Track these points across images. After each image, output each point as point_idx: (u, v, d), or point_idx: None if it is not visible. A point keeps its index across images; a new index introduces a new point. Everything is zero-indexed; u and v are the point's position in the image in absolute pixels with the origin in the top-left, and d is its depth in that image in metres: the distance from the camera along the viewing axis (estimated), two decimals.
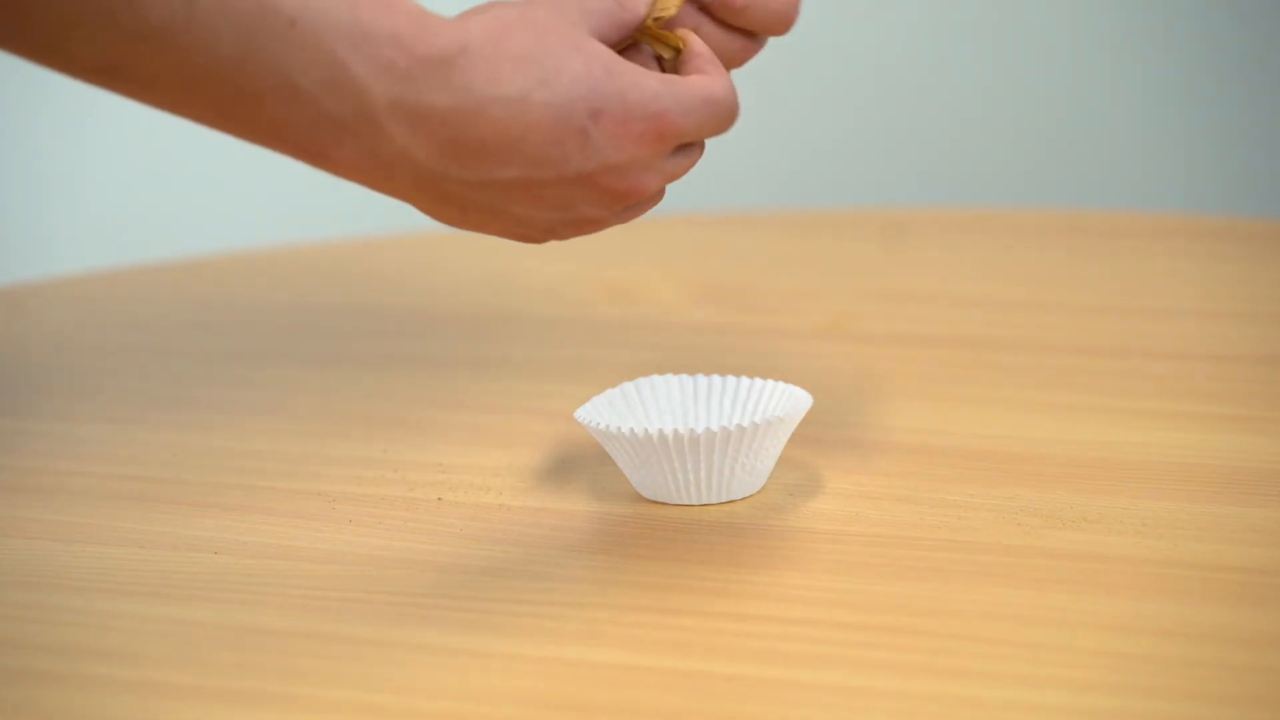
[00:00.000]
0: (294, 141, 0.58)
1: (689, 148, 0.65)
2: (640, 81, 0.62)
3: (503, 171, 0.61)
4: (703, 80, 0.64)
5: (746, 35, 0.69)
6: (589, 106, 0.61)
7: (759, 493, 0.71)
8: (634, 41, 0.68)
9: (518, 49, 0.60)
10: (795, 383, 0.73)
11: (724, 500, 0.70)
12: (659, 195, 0.66)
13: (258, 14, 0.55)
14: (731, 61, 0.68)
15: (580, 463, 0.75)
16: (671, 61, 0.67)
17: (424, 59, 0.58)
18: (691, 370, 0.85)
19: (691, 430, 0.67)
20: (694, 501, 0.69)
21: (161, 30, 0.54)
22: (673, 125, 0.62)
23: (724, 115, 0.64)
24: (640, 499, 0.71)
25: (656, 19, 0.67)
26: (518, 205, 0.62)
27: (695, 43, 0.66)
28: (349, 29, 0.57)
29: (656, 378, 0.74)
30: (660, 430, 0.68)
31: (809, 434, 0.76)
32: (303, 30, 0.56)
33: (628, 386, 0.74)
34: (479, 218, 0.63)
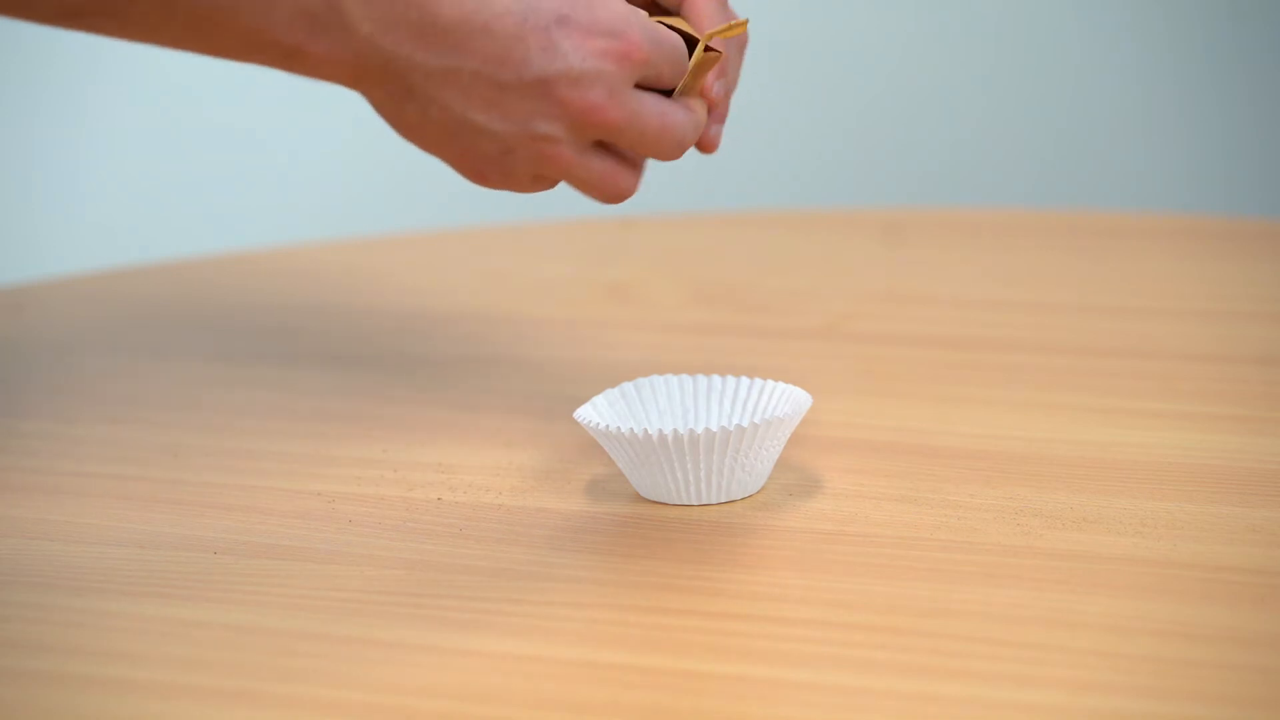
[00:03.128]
0: (270, 44, 0.58)
1: (660, 102, 0.66)
2: (611, 3, 0.63)
3: (466, 60, 0.60)
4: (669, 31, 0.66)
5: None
6: (556, 11, 0.61)
7: (759, 493, 0.71)
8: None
9: None
10: (795, 383, 0.73)
11: (724, 500, 0.70)
12: (629, 185, 0.67)
13: None
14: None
15: (580, 463, 0.75)
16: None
17: None
18: (691, 370, 0.85)
19: (691, 430, 0.67)
20: (694, 501, 0.70)
21: None
22: (637, 48, 0.63)
23: (681, 54, 0.66)
24: (640, 499, 0.71)
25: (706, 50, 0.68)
26: (478, 109, 0.62)
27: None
28: None
29: (656, 378, 0.74)
30: (660, 430, 0.68)
31: (809, 434, 0.76)
32: None
33: (628, 386, 0.74)
34: (439, 125, 0.62)
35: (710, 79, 0.71)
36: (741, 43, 0.75)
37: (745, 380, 0.74)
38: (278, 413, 0.86)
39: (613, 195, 0.67)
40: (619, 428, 0.69)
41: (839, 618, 0.60)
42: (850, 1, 2.02)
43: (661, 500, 0.70)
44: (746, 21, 0.70)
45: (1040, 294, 1.07)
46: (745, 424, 0.68)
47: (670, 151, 0.67)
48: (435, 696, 0.55)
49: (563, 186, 0.69)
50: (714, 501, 0.70)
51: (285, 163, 1.97)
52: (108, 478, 0.77)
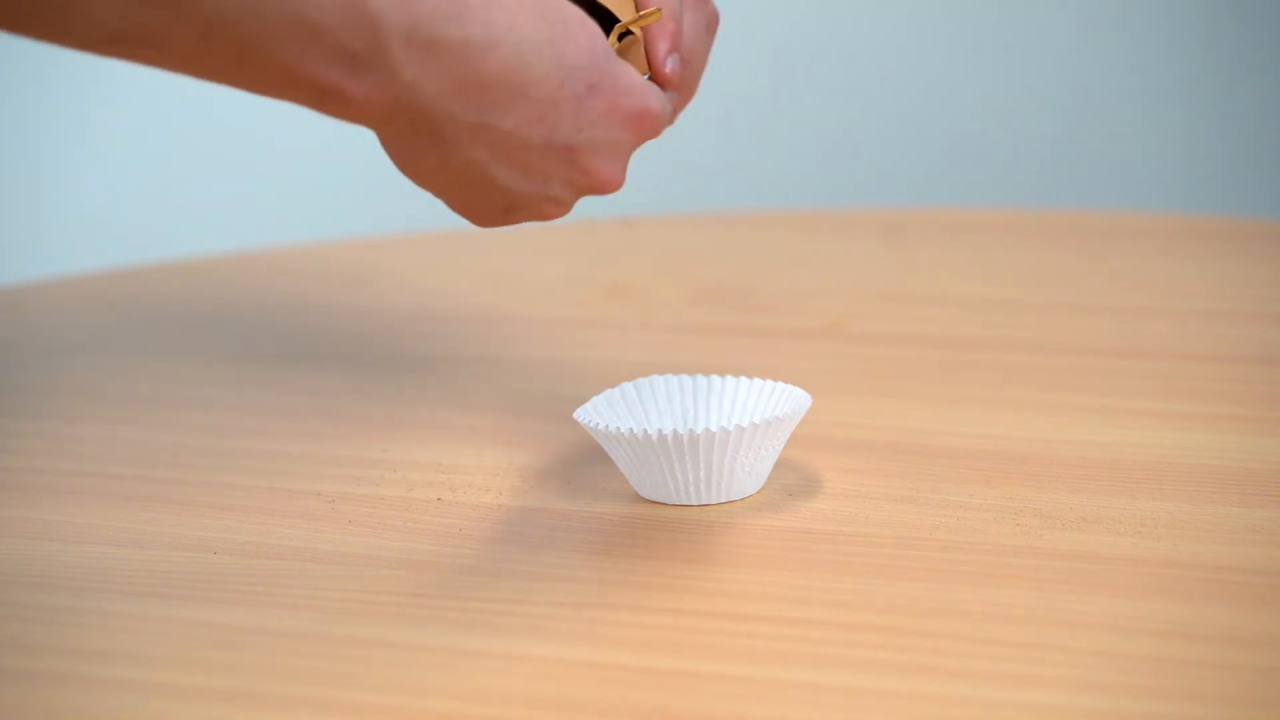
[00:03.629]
0: (307, 82, 0.58)
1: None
2: (630, 72, 0.65)
3: (502, 119, 0.61)
4: (658, 79, 0.69)
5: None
6: (588, 79, 0.62)
7: (759, 493, 0.71)
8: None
9: (533, 5, 0.61)
10: (795, 383, 0.73)
11: (724, 500, 0.70)
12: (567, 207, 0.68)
13: None
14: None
15: (580, 463, 0.75)
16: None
17: None
18: (691, 370, 0.85)
19: (691, 430, 0.67)
20: (694, 501, 0.70)
21: None
22: (654, 116, 0.65)
23: (667, 112, 0.68)
24: (640, 499, 0.71)
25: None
26: (501, 165, 0.63)
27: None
28: None
29: (656, 378, 0.74)
30: (660, 430, 0.68)
31: (809, 434, 0.76)
32: None
33: (628, 386, 0.74)
34: (457, 174, 0.63)
35: (660, 54, 0.70)
36: (711, 23, 0.75)
37: (745, 380, 0.74)
38: (278, 413, 0.86)
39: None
40: (619, 428, 0.69)
41: (839, 618, 0.60)
42: (850, 1, 2.02)
43: (661, 500, 0.70)
44: (659, 11, 0.70)
45: (1040, 294, 1.07)
46: (745, 424, 0.68)
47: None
48: (435, 696, 0.55)
49: None
50: (714, 501, 0.70)
51: (285, 163, 1.96)
52: (108, 478, 0.77)
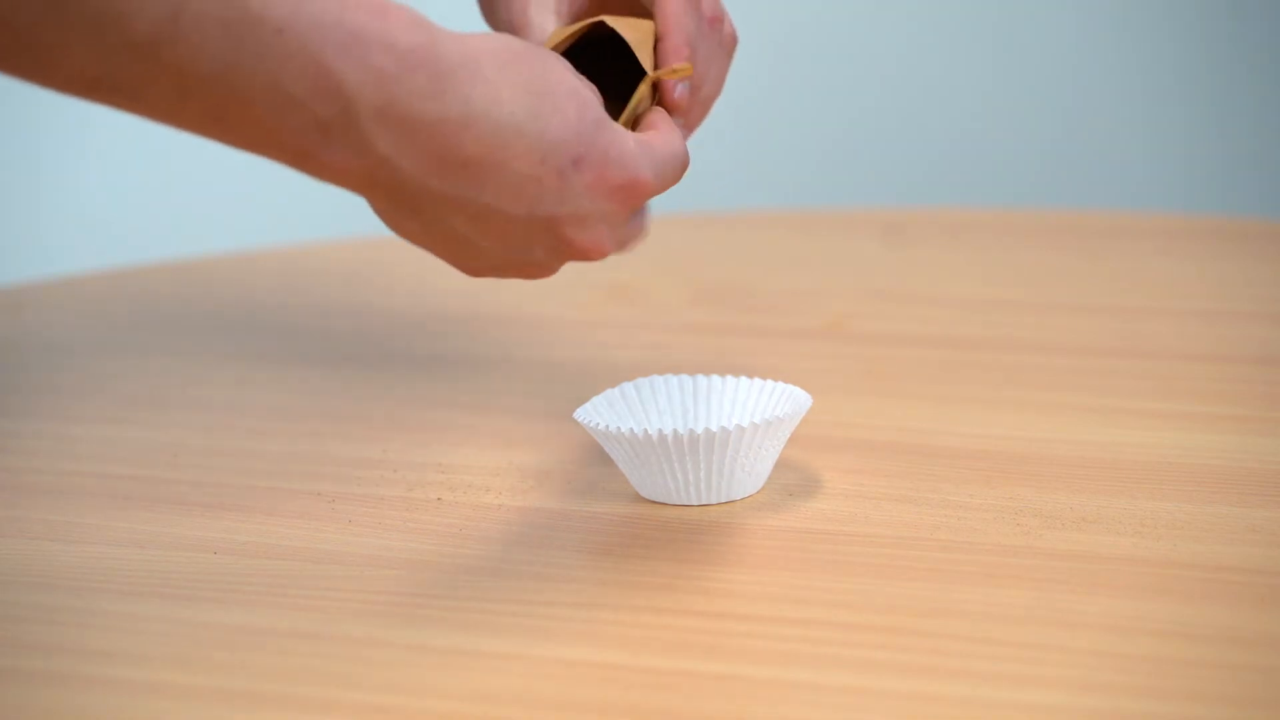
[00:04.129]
0: (281, 145, 0.58)
1: (640, 213, 0.67)
2: (621, 141, 0.63)
3: (480, 194, 0.61)
4: (664, 138, 0.66)
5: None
6: (573, 152, 0.62)
7: (759, 493, 0.71)
8: None
9: (520, 79, 0.61)
10: (795, 383, 0.73)
11: (724, 500, 0.70)
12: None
13: (244, 23, 0.54)
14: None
15: (580, 463, 0.75)
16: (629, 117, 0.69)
17: (418, 66, 0.58)
18: (691, 370, 0.85)
19: (691, 430, 0.67)
20: (694, 501, 0.70)
21: (148, 43, 0.53)
22: (644, 186, 0.64)
23: (683, 167, 0.67)
24: (640, 499, 0.71)
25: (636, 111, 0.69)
26: (482, 235, 0.63)
27: (654, 113, 0.69)
28: (337, 34, 0.56)
29: (656, 378, 0.74)
30: (660, 430, 0.68)
31: (809, 434, 0.76)
32: (289, 38, 0.55)
33: (628, 386, 0.74)
34: (440, 238, 0.63)
35: (673, 83, 0.71)
36: (729, 48, 0.75)
37: (745, 380, 0.74)
38: (278, 413, 0.86)
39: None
40: (619, 428, 0.69)
41: (839, 618, 0.60)
42: (850, 1, 2.02)
43: (661, 500, 0.70)
44: (689, 66, 0.70)
45: (1040, 294, 1.07)
46: (745, 424, 0.68)
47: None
48: (435, 696, 0.55)
49: None
50: (714, 501, 0.70)
51: None
52: (108, 478, 0.77)
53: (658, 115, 0.68)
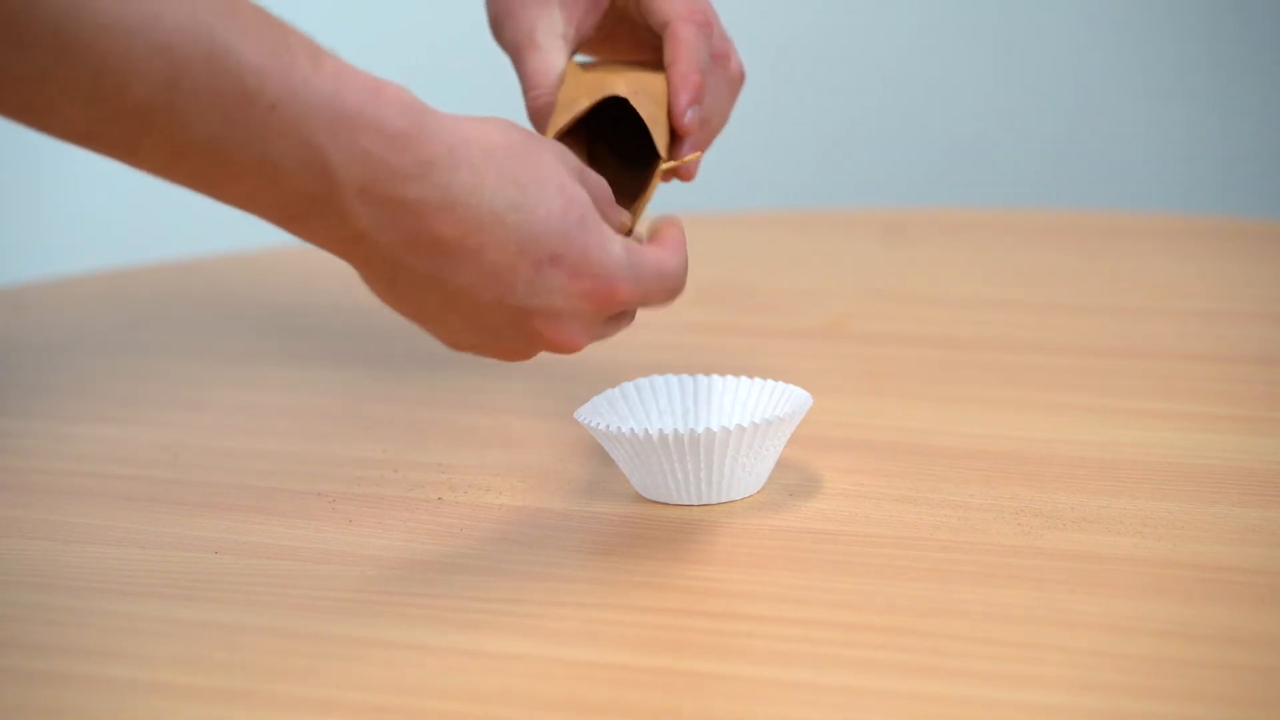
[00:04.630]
0: (266, 209, 0.59)
1: (624, 313, 0.66)
2: (607, 244, 0.63)
3: (453, 276, 0.61)
4: (660, 254, 0.65)
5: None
6: (552, 248, 0.61)
7: (759, 493, 0.71)
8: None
9: (508, 168, 0.60)
10: (795, 383, 0.73)
11: (724, 500, 0.70)
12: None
13: (239, 98, 0.55)
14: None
15: (580, 463, 0.75)
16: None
17: (404, 149, 0.58)
18: (691, 370, 0.85)
19: (691, 430, 0.67)
20: (694, 501, 0.69)
21: (144, 109, 0.54)
22: (620, 294, 0.63)
23: (670, 289, 0.65)
24: (640, 499, 0.71)
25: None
26: (453, 315, 0.62)
27: (670, 226, 0.68)
28: (327, 114, 0.57)
29: (656, 378, 0.74)
30: (660, 430, 0.68)
31: (809, 434, 0.76)
32: (282, 115, 0.56)
33: (628, 386, 0.74)
34: (415, 309, 0.63)
35: (681, 105, 0.71)
36: (736, 83, 0.75)
37: (745, 380, 0.74)
38: (278, 413, 0.86)
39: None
40: (619, 428, 0.69)
41: (839, 618, 0.60)
42: (850, 1, 2.02)
43: (662, 500, 0.70)
44: (699, 155, 0.71)
45: (1040, 294, 1.07)
46: (745, 424, 0.68)
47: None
48: (435, 696, 0.55)
49: None
50: (714, 501, 0.70)
51: None
52: (107, 478, 0.77)
53: (668, 230, 0.67)
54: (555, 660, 0.57)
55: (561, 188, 0.62)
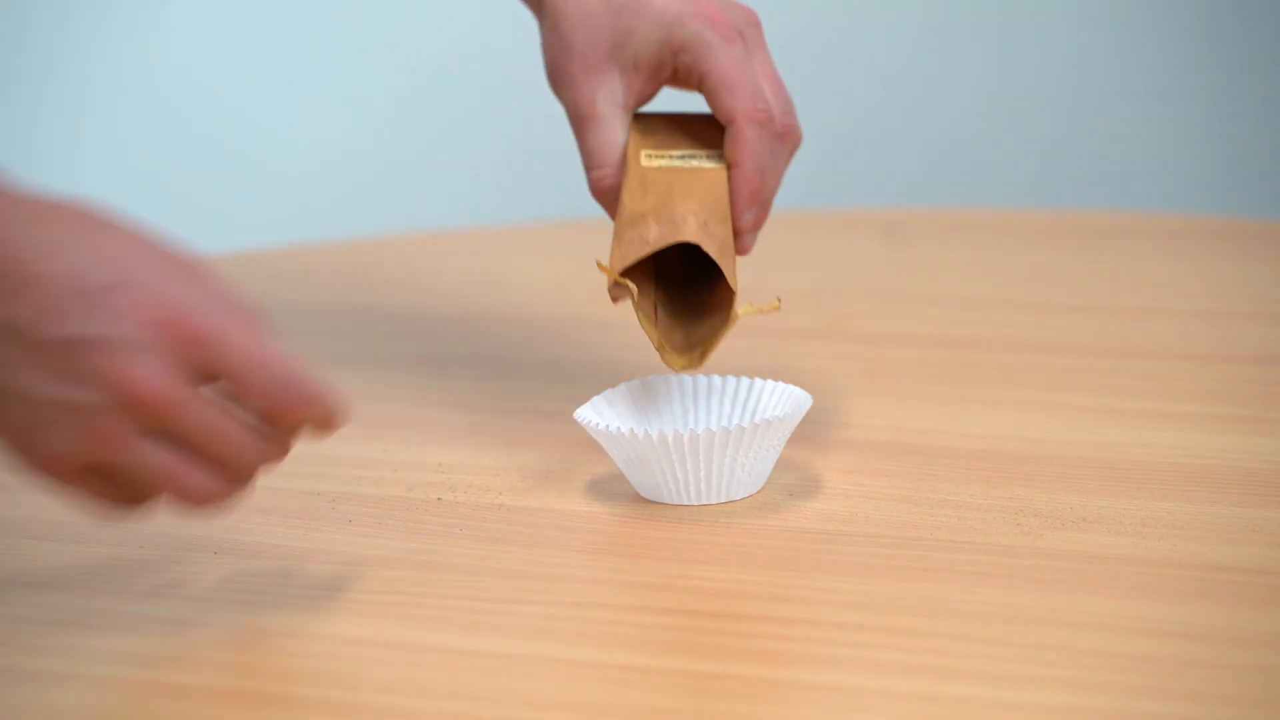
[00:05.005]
0: None
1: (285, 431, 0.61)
2: (200, 284, 0.61)
3: (17, 310, 0.56)
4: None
5: None
6: (117, 277, 0.57)
7: (759, 493, 0.71)
8: None
9: (86, 244, 0.58)
10: (795, 383, 0.73)
11: (724, 500, 0.70)
12: (203, 485, 0.59)
13: None
14: None
15: (580, 463, 0.75)
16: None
17: None
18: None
19: (691, 430, 0.67)
20: (694, 502, 0.69)
21: None
22: (189, 321, 0.59)
23: (283, 372, 0.62)
24: (640, 499, 0.71)
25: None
26: (21, 367, 0.56)
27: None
28: None
29: (656, 378, 0.74)
30: (660, 430, 0.68)
31: (809, 434, 0.76)
32: None
33: (628, 386, 0.74)
34: None
35: (740, 206, 0.72)
36: (792, 148, 0.76)
37: (745, 380, 0.74)
38: None
39: (189, 496, 0.59)
40: (619, 428, 0.69)
41: (839, 618, 0.60)
42: (850, 1, 2.02)
43: (662, 500, 0.70)
44: (778, 302, 0.71)
45: (1040, 294, 1.07)
46: (745, 424, 0.68)
47: (242, 457, 0.60)
48: (435, 696, 0.55)
49: None
50: (714, 501, 0.70)
51: (286, 163, 1.97)
52: None
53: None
54: (555, 660, 0.57)
55: (161, 262, 0.59)
